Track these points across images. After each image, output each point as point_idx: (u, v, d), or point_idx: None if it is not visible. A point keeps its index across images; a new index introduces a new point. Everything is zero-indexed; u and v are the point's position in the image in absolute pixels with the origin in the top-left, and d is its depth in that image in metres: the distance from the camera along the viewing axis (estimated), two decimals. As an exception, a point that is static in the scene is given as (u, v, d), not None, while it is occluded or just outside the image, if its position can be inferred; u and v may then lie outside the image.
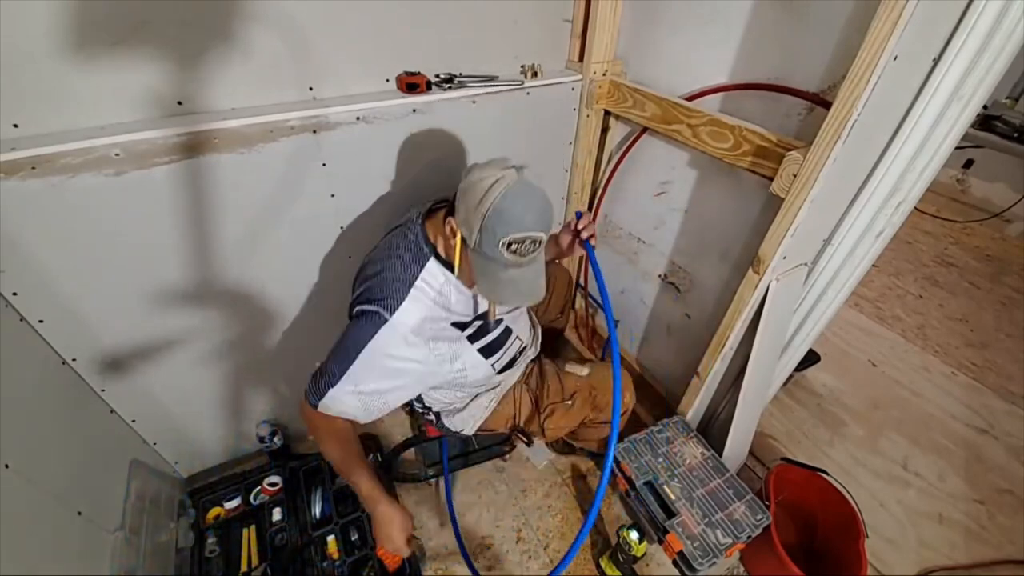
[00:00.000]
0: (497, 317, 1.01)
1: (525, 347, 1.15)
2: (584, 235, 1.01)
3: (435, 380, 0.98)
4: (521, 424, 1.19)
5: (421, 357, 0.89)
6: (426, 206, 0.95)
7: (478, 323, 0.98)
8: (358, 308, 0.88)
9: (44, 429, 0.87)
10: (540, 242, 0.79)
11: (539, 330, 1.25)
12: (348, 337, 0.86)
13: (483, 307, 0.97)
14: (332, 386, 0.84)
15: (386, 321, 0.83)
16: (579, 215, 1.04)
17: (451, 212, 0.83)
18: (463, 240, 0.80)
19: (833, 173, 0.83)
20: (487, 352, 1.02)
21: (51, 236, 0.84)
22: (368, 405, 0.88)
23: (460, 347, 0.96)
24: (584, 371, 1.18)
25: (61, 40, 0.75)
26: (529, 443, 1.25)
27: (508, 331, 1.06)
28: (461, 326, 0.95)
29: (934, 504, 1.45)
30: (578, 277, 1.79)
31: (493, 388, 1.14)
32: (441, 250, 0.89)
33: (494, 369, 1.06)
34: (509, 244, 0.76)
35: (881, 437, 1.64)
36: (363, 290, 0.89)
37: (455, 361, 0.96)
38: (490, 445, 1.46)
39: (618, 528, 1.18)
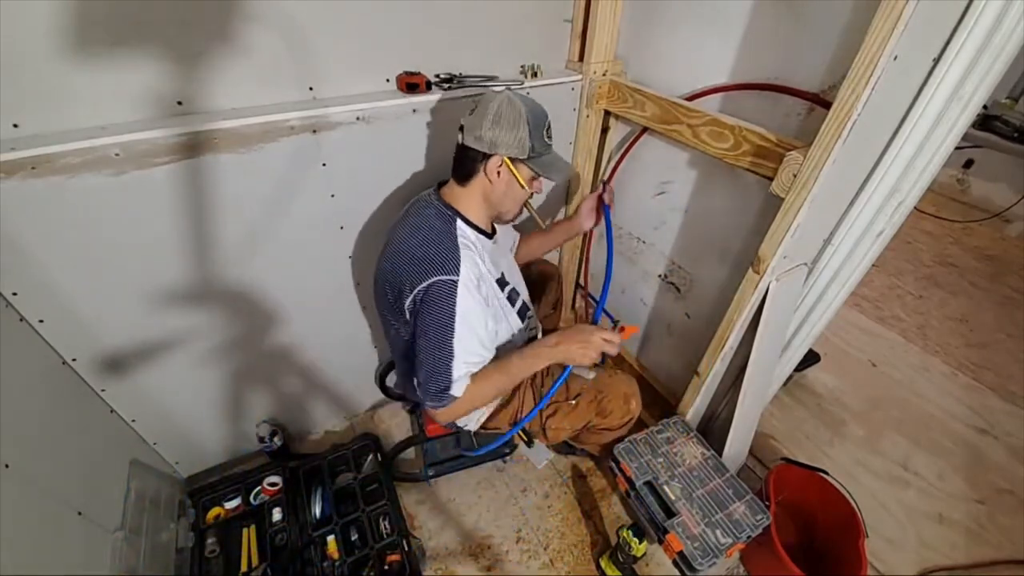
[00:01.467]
0: (511, 287, 1.08)
1: (537, 334, 1.18)
2: (607, 198, 1.29)
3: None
4: None
5: (481, 312, 0.93)
6: (433, 187, 1.03)
7: (506, 285, 1.06)
8: (424, 284, 0.87)
9: (44, 429, 0.87)
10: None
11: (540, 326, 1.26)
12: (435, 321, 0.87)
13: (502, 267, 1.06)
14: (452, 370, 0.89)
15: (456, 282, 0.87)
16: (605, 184, 1.31)
17: (466, 176, 0.95)
18: (512, 160, 0.91)
19: (833, 173, 0.83)
20: (521, 315, 1.09)
21: (51, 236, 0.84)
22: (480, 361, 0.95)
23: (502, 308, 1.02)
24: (590, 375, 1.17)
25: (61, 40, 0.75)
26: (529, 443, 1.24)
27: (526, 306, 1.13)
28: (501, 284, 1.02)
29: (934, 504, 1.45)
30: (578, 277, 1.79)
31: None
32: (464, 211, 0.96)
33: (522, 332, 1.11)
34: (547, 129, 0.94)
35: (881, 437, 1.64)
36: (414, 270, 0.89)
37: (500, 322, 1.01)
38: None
39: (618, 528, 1.18)
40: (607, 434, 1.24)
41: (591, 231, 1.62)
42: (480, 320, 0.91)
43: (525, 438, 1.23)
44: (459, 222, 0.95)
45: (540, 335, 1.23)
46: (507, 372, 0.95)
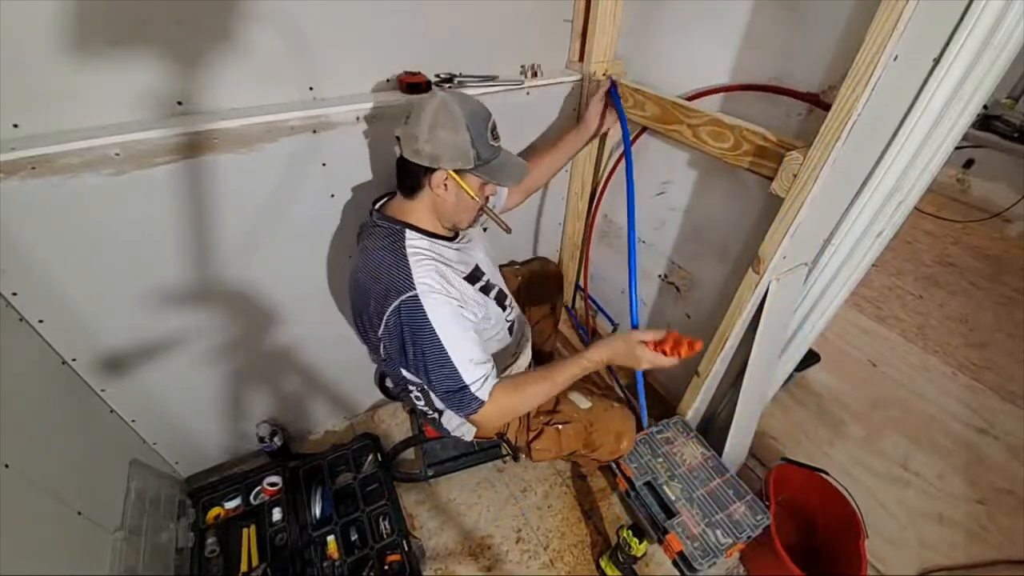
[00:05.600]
0: (487, 278, 1.02)
1: (516, 324, 1.12)
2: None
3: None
4: (508, 435, 1.13)
5: (458, 311, 0.89)
6: (374, 206, 0.98)
7: (481, 277, 1.01)
8: (389, 311, 0.85)
9: (44, 429, 0.87)
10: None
11: (528, 331, 1.22)
12: (419, 341, 0.84)
13: (476, 259, 1.02)
14: (462, 377, 0.85)
15: (416, 296, 0.83)
16: (613, 82, 1.18)
17: (411, 189, 0.90)
18: (457, 171, 0.86)
19: (833, 173, 0.83)
20: (499, 302, 1.04)
21: (51, 236, 0.84)
22: (487, 359, 0.90)
23: (477, 301, 0.97)
24: (585, 404, 1.12)
25: (61, 40, 0.75)
26: (516, 459, 1.20)
27: (503, 293, 1.08)
28: (471, 279, 0.97)
29: (934, 504, 1.45)
30: (578, 278, 1.79)
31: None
32: (414, 221, 0.92)
33: (507, 323, 1.07)
34: (492, 129, 0.88)
35: (881, 437, 1.64)
36: (375, 300, 0.87)
37: (479, 308, 0.96)
38: (490, 447, 1.46)
39: (618, 528, 1.18)
40: (594, 463, 1.23)
41: (593, 219, 1.62)
42: (461, 319, 0.87)
43: (511, 452, 1.20)
44: (408, 233, 0.90)
45: (520, 325, 1.17)
46: (550, 379, 0.93)
